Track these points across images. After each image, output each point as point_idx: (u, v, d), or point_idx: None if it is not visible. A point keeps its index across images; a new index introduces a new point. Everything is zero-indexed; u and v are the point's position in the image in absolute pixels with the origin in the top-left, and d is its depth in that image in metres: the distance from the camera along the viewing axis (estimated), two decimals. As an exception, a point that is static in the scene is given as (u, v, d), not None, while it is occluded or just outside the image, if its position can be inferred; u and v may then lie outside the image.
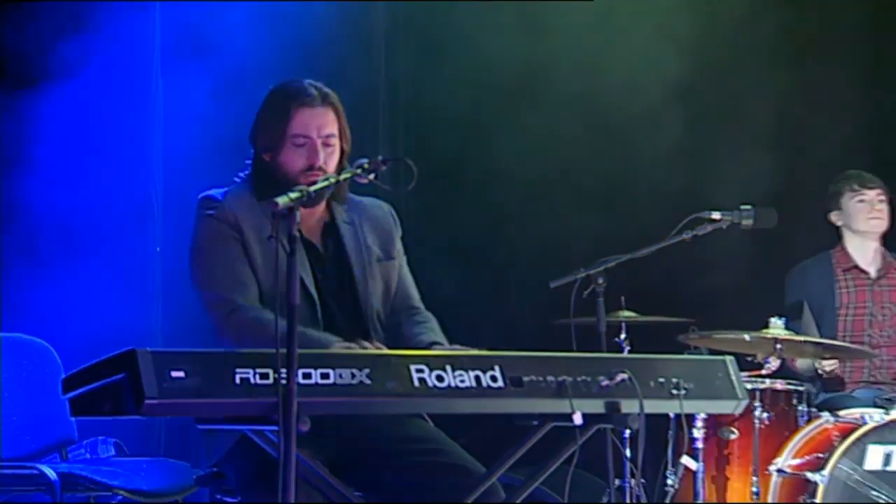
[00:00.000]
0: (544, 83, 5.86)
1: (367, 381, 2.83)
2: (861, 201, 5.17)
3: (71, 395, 2.89)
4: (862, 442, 4.34)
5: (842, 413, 4.63)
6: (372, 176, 3.11)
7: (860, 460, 4.33)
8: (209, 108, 5.10)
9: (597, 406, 3.05)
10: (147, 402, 2.65)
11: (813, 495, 4.31)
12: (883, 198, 5.16)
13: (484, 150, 5.90)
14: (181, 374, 2.68)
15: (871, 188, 5.16)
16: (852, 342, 5.07)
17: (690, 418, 4.64)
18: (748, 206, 4.52)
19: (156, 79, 5.20)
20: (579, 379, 3.01)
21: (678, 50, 5.70)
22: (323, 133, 3.30)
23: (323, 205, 3.38)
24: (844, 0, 6.02)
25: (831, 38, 5.99)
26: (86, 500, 4.23)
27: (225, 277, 3.22)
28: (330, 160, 3.32)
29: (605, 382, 3.03)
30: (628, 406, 3.06)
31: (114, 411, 2.77)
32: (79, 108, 5.01)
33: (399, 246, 3.49)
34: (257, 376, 2.74)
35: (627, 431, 4.31)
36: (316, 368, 2.79)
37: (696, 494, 4.59)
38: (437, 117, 5.91)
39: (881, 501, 4.31)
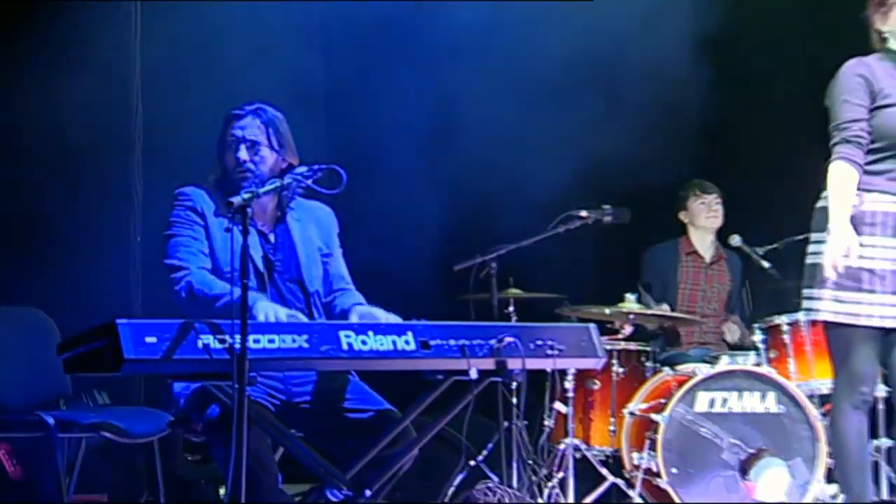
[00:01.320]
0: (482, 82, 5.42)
1: (305, 345, 2.80)
2: (702, 203, 5.25)
3: (64, 356, 2.82)
4: (693, 390, 4.40)
5: (678, 368, 4.70)
6: (310, 181, 3.09)
7: (691, 404, 4.39)
8: (187, 105, 4.94)
9: (489, 364, 3.05)
10: (126, 362, 2.60)
11: (656, 432, 4.36)
12: (719, 200, 5.26)
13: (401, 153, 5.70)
14: (154, 339, 2.64)
15: (709, 193, 5.25)
16: (688, 312, 5.15)
17: (563, 373, 4.66)
18: (608, 206, 4.56)
19: (135, 77, 5.02)
20: (475, 342, 3.01)
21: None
22: (246, 137, 3.27)
23: (275, 204, 3.34)
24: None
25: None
26: (78, 440, 4.13)
27: (185, 251, 3.19)
28: (260, 162, 3.27)
29: (496, 345, 3.03)
30: (514, 363, 3.06)
31: (100, 370, 2.71)
32: (67, 107, 4.81)
33: (336, 240, 3.46)
34: (216, 341, 2.70)
35: (513, 384, 4.31)
36: (264, 334, 2.76)
37: (567, 432, 4.61)
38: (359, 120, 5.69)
39: (707, 436, 4.38)
